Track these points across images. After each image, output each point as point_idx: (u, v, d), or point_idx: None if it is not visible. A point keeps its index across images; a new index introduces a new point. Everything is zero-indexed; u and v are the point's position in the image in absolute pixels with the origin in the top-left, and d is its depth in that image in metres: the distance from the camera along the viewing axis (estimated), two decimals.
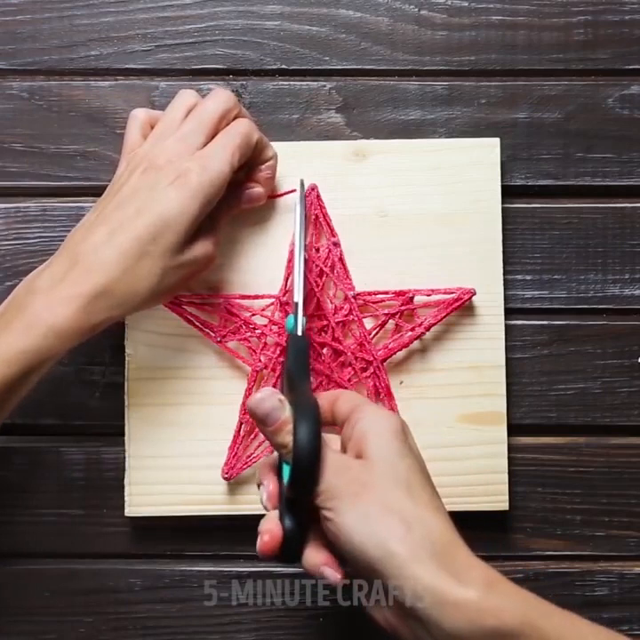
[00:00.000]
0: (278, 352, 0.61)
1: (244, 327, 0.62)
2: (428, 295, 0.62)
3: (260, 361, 0.61)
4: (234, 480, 0.61)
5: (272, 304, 0.62)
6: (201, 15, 0.65)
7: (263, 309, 0.62)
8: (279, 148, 0.63)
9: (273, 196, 0.62)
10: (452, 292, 0.62)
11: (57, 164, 0.65)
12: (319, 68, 0.65)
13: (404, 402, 0.62)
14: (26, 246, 0.64)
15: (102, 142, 0.65)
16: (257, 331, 0.62)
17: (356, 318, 0.61)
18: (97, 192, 0.62)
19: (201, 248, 0.56)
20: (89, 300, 0.52)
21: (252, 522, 0.62)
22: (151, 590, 0.64)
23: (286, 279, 0.62)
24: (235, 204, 0.60)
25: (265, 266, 0.62)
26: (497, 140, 0.63)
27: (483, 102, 0.65)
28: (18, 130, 0.65)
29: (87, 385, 0.64)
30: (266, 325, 0.62)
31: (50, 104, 0.65)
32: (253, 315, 0.62)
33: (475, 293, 0.62)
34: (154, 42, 0.65)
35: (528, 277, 0.64)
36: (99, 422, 0.64)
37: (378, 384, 0.61)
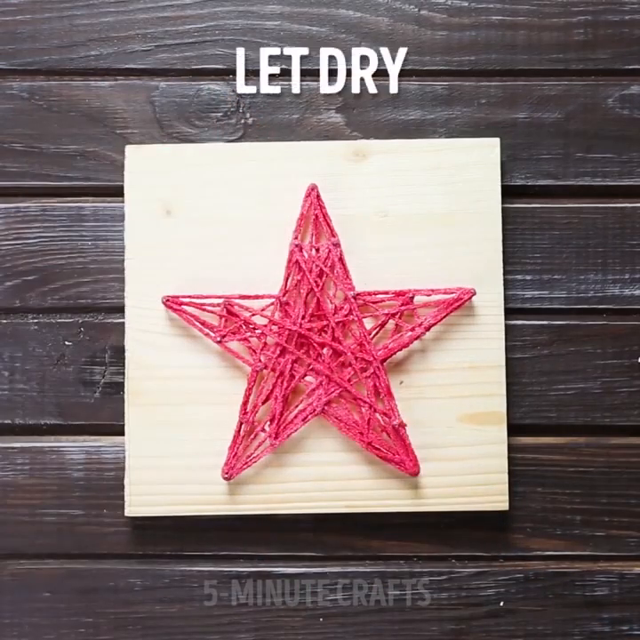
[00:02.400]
0: (278, 352, 0.61)
1: (243, 327, 0.62)
2: (428, 295, 0.62)
3: (259, 361, 0.61)
4: (234, 480, 0.61)
5: (272, 304, 0.62)
6: (201, 15, 0.65)
7: (263, 309, 0.62)
8: (279, 148, 0.63)
9: None
10: (452, 292, 0.62)
11: (57, 164, 0.65)
12: (320, 67, 0.65)
13: (404, 402, 0.62)
14: (26, 246, 0.64)
15: (102, 142, 0.65)
16: (257, 331, 0.62)
17: (356, 318, 0.61)
18: (97, 192, 0.62)
19: None
20: None
21: (252, 522, 0.63)
22: (151, 590, 0.64)
23: (286, 279, 0.62)
24: None
25: (265, 266, 0.62)
26: (497, 140, 0.63)
27: (483, 102, 0.65)
28: (18, 130, 0.65)
29: (87, 385, 0.64)
30: (266, 325, 0.62)
31: (50, 104, 0.65)
32: (253, 315, 0.62)
33: (475, 293, 0.62)
34: (154, 42, 0.65)
35: (528, 277, 0.64)
36: (99, 422, 0.64)
37: (378, 384, 0.61)
